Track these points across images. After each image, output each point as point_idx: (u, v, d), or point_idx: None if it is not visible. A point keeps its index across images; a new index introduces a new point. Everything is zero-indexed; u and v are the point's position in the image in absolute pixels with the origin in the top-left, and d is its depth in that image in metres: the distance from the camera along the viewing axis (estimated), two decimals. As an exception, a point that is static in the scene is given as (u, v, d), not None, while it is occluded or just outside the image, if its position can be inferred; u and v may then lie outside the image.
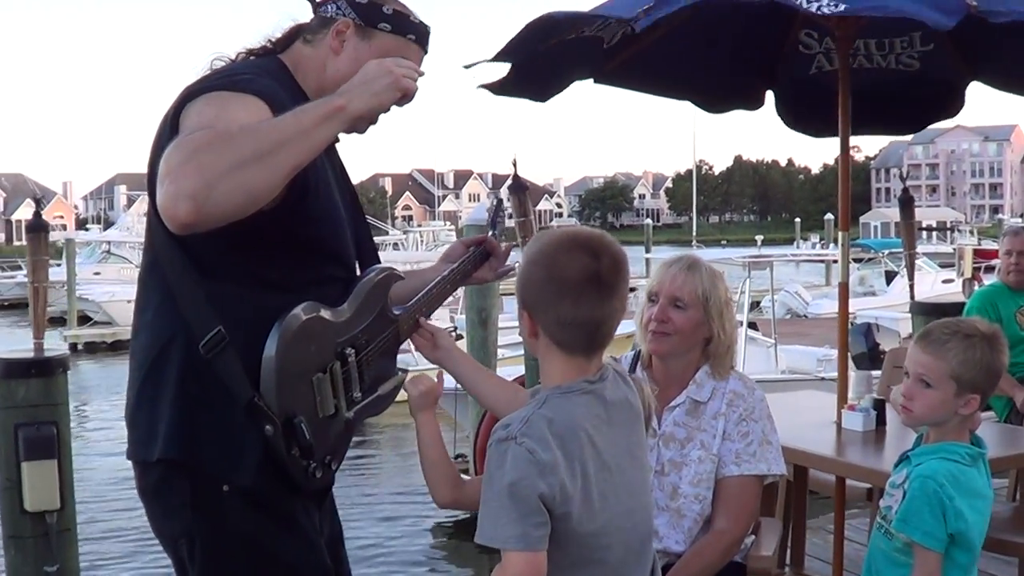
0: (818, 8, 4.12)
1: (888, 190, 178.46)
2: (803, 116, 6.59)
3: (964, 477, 3.42)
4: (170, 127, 2.80)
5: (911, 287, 14.41)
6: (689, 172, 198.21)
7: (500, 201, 4.19)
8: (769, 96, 6.49)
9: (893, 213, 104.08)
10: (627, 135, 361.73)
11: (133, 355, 3.01)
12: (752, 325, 19.24)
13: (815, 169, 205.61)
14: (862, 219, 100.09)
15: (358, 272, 3.21)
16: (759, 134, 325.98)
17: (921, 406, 3.50)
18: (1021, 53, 5.56)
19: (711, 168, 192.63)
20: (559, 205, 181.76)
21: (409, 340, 3.32)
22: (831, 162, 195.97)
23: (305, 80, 3.11)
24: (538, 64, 5.12)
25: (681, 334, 4.02)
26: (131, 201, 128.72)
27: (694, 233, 78.15)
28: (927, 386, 3.48)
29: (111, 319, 36.97)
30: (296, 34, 3.19)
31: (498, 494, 2.49)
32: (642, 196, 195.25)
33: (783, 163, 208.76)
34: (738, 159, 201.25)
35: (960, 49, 5.83)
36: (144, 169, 2.92)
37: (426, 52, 3.22)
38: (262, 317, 2.81)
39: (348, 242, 3.16)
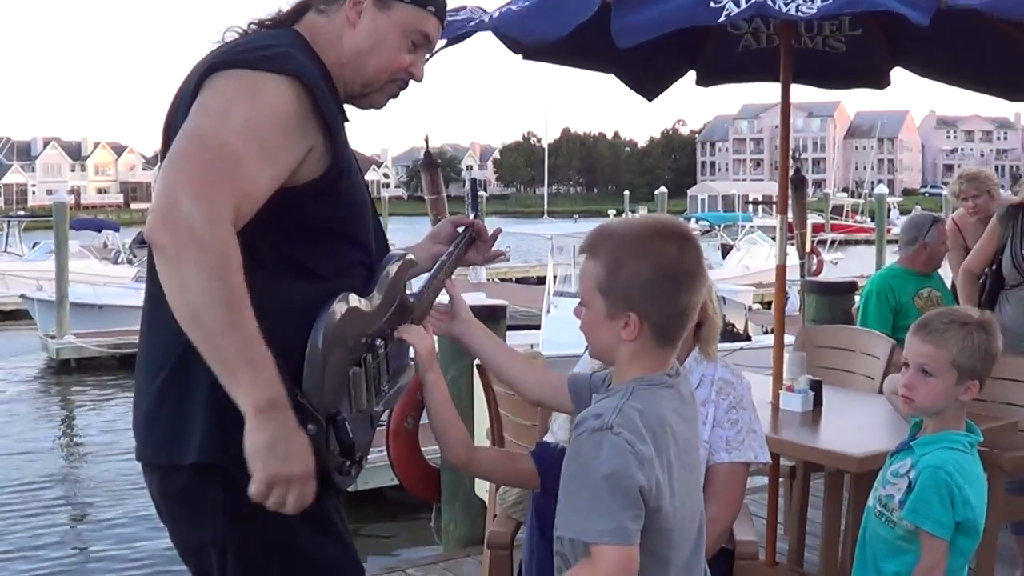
0: (796, 9, 4.13)
1: (714, 163, 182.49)
2: (721, 82, 6.74)
3: (968, 465, 3.47)
4: (192, 98, 2.65)
5: (803, 266, 14.72)
6: (516, 144, 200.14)
7: (475, 181, 4.11)
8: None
9: (719, 186, 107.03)
10: (455, 106, 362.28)
11: (150, 350, 2.80)
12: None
13: (641, 142, 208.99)
14: (689, 192, 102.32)
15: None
16: (587, 107, 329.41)
17: (924, 395, 3.53)
18: (942, 43, 5.67)
19: (539, 140, 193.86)
20: (386, 175, 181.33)
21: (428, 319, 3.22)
22: (657, 135, 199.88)
23: (323, 52, 2.93)
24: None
25: None
26: None
27: (545, 207, 78.32)
28: (929, 375, 3.52)
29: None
30: (306, 6, 3.01)
31: (592, 485, 2.40)
32: (470, 167, 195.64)
33: (610, 136, 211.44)
34: (566, 131, 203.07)
35: (887, 35, 5.92)
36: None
37: (443, 25, 3.11)
38: (294, 307, 2.67)
39: (371, 228, 3.03)
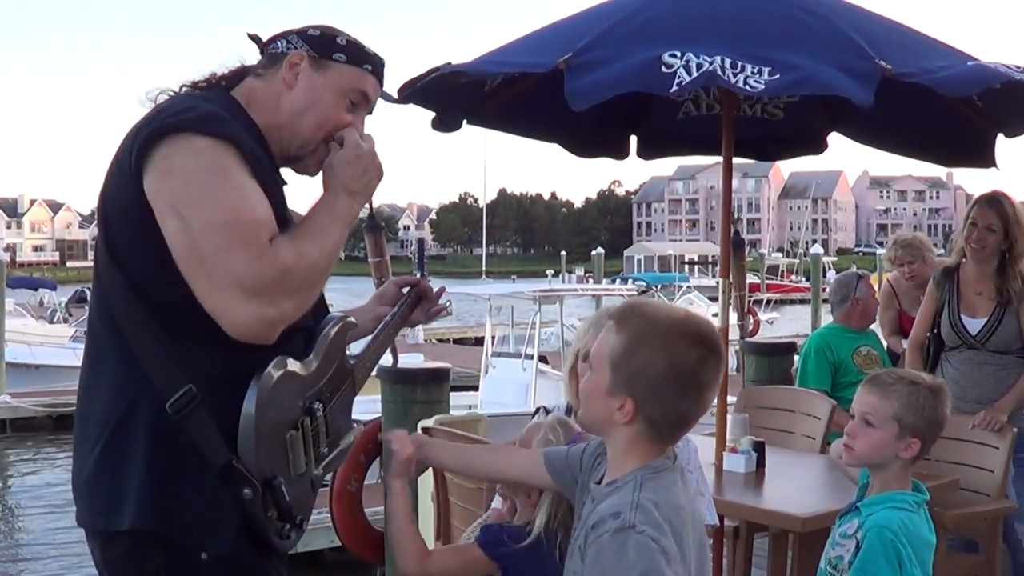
0: (745, 82, 4.18)
1: (649, 224, 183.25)
2: (662, 155, 6.79)
3: (913, 525, 3.50)
4: (134, 169, 2.66)
5: (741, 326, 14.76)
6: (453, 204, 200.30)
7: (422, 241, 4.14)
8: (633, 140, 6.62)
9: (655, 247, 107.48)
10: (392, 166, 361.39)
11: (87, 417, 2.80)
12: (543, 359, 19.42)
13: (578, 203, 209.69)
14: (626, 253, 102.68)
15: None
16: (523, 167, 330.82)
17: (863, 445, 3.59)
18: (880, 109, 5.78)
19: (475, 200, 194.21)
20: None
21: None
22: (593, 196, 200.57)
23: (259, 115, 2.96)
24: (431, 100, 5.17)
25: None
26: None
27: (483, 267, 78.50)
28: (870, 426, 3.58)
29: None
30: (244, 73, 3.05)
31: None
32: (407, 227, 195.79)
33: (547, 196, 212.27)
34: (502, 192, 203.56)
35: (824, 102, 6.02)
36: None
37: (382, 84, 3.14)
38: (231, 374, 2.69)
39: None
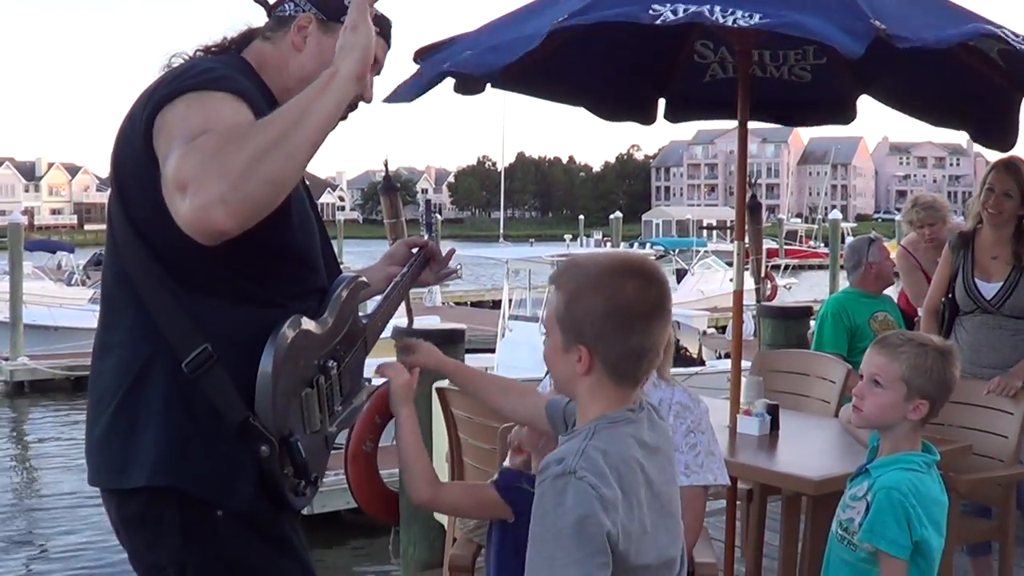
0: (734, 21, 4.16)
1: (668, 188, 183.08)
2: (689, 119, 6.75)
3: (923, 486, 3.50)
4: (144, 128, 2.66)
5: (758, 291, 14.81)
6: (471, 167, 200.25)
7: (429, 203, 4.15)
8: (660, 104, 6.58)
9: (674, 211, 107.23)
10: (410, 129, 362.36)
11: (100, 376, 2.82)
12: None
13: (596, 167, 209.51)
14: (644, 217, 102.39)
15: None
16: (542, 131, 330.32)
17: (871, 405, 3.60)
18: (908, 73, 5.74)
19: (493, 164, 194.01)
20: (341, 198, 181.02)
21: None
22: (612, 160, 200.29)
23: (270, 78, 2.99)
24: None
25: None
26: None
27: (501, 231, 78.40)
28: (878, 386, 3.59)
29: None
30: (252, 36, 3.07)
31: (558, 534, 2.35)
32: (425, 190, 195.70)
33: (565, 160, 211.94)
34: (521, 155, 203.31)
35: (852, 65, 5.98)
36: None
37: (389, 46, 3.14)
38: (247, 332, 2.70)
39: (320, 250, 3.06)
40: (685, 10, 4.16)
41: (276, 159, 2.46)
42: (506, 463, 3.62)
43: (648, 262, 2.65)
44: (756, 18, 4.16)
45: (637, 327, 2.53)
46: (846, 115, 6.50)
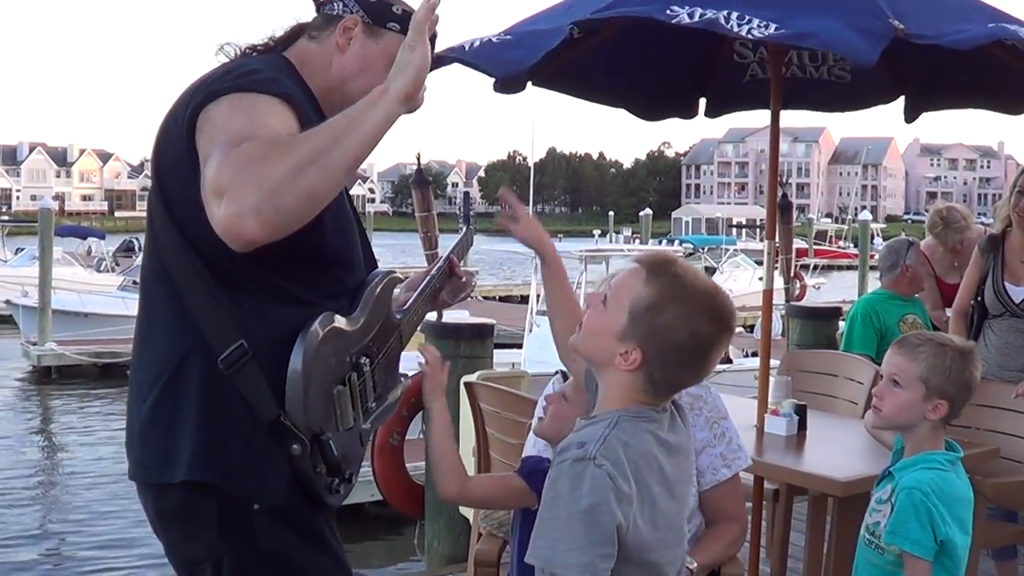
0: (748, 31, 4.15)
1: (698, 186, 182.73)
2: (730, 111, 6.72)
3: (947, 484, 3.50)
4: (187, 126, 2.68)
5: (787, 290, 14.76)
6: (502, 161, 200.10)
7: (467, 195, 4.15)
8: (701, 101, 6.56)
9: (704, 209, 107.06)
10: (441, 123, 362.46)
11: (140, 369, 2.85)
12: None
13: (627, 164, 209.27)
14: (673, 215, 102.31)
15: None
16: (572, 127, 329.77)
17: (890, 405, 3.59)
18: (940, 71, 5.71)
19: (524, 159, 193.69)
20: (372, 191, 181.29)
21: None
22: (643, 157, 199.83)
23: (311, 78, 3.00)
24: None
25: None
26: None
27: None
28: (897, 386, 3.58)
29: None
30: (299, 32, 3.09)
31: (569, 516, 2.36)
32: (455, 184, 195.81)
33: (595, 156, 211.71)
34: (551, 151, 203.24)
35: (890, 65, 5.94)
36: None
37: (433, 51, 3.15)
38: (283, 330, 2.72)
39: (357, 245, 3.06)
40: (701, 15, 4.18)
41: (315, 173, 2.47)
42: (537, 410, 3.59)
43: (734, 312, 2.63)
44: (771, 28, 4.17)
45: (694, 367, 2.56)
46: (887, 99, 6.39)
